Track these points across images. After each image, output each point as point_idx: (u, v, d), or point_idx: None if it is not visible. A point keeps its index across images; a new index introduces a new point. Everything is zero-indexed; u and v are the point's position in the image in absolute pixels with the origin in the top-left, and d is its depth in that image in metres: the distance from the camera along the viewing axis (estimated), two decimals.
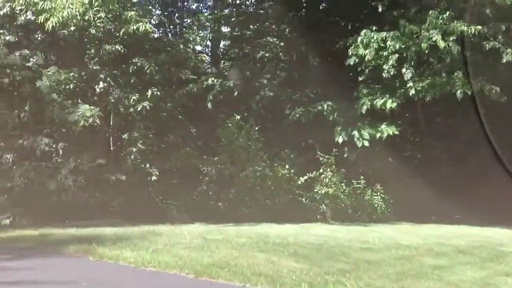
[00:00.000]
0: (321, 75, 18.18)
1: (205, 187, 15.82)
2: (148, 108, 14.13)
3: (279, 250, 9.24)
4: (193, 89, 16.76)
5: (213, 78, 17.84)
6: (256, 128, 16.07)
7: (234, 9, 20.52)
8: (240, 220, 14.47)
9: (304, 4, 19.84)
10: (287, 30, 19.40)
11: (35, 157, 14.63)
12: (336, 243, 10.40)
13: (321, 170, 15.82)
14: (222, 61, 21.15)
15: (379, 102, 16.03)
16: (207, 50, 21.09)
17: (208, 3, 22.15)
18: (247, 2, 21.35)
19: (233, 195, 15.74)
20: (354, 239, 11.19)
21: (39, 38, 15.22)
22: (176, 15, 20.48)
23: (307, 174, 15.73)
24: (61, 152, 14.66)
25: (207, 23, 19.59)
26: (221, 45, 21.17)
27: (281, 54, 19.60)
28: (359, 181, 16.05)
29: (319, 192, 15.69)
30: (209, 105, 17.60)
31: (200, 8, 22.04)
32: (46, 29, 13.25)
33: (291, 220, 14.59)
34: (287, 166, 15.78)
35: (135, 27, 13.47)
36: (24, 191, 14.21)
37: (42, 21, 12.66)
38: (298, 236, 11.03)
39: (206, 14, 19.56)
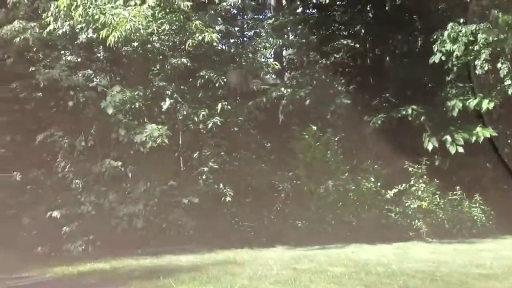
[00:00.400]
0: (401, 77, 16.64)
1: (282, 205, 14.58)
2: (219, 123, 13.04)
3: (387, 283, 7.80)
4: (263, 101, 15.61)
5: (282, 88, 16.66)
6: (336, 138, 14.71)
7: (298, 15, 19.33)
8: (324, 240, 13.20)
9: (375, 3, 18.28)
10: (362, 31, 17.89)
11: (104, 181, 13.87)
12: (449, 270, 8.87)
13: (411, 182, 14.28)
14: (289, 70, 19.96)
15: (472, 102, 14.35)
16: (271, 60, 19.89)
17: (268, 14, 21.05)
18: (307, 11, 20.10)
19: (313, 213, 14.39)
20: (467, 262, 9.60)
21: (101, 57, 14.57)
22: (236, 28, 19.32)
23: (396, 187, 14.22)
24: (130, 175, 13.87)
25: (269, 30, 18.45)
26: (284, 53, 19.92)
27: (354, 57, 18.16)
28: (455, 191, 14.36)
29: (411, 206, 14.16)
30: (281, 116, 16.47)
31: (261, 17, 20.95)
32: (108, 46, 12.50)
33: (381, 239, 13.29)
34: (372, 179, 14.32)
35: (200, 38, 12.41)
36: (94, 218, 13.41)
37: (103, 36, 11.82)
38: (402, 263, 9.53)
39: (270, 21, 18.32)
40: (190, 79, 13.89)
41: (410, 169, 14.39)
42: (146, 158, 13.53)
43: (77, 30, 13.19)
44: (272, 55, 18.24)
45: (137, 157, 13.74)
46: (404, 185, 14.26)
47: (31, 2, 14.31)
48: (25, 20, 13.73)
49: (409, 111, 15.37)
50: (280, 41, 17.01)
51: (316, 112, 16.60)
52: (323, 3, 18.51)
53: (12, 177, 14.40)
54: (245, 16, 20.31)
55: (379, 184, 14.35)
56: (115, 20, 11.53)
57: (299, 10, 20.28)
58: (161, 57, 13.71)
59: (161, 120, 13.67)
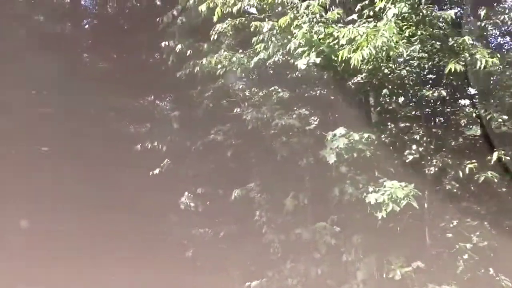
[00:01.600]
0: None
1: None
2: (495, 180, 9.00)
3: None
4: None
5: None
6: None
7: None
8: None
9: None
10: None
11: (316, 250, 10.92)
12: None
13: None
14: None
15: None
16: None
17: None
18: None
19: None
20: None
21: (318, 92, 11.57)
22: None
23: None
24: (353, 247, 10.50)
25: None
26: None
27: None
28: None
29: None
30: None
31: None
32: (332, 77, 9.50)
33: None
34: None
35: (481, 64, 8.57)
36: None
37: (343, 57, 8.57)
38: None
39: None
40: (442, 118, 10.15)
41: None
42: (379, 225, 9.99)
43: (291, 60, 10.31)
44: None
45: (365, 223, 10.26)
46: None
47: (236, 32, 11.97)
48: (230, 51, 11.56)
49: None
50: None
51: None
52: None
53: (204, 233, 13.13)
54: None
55: None
56: (361, 36, 8.25)
57: None
58: (400, 89, 10.19)
59: (404, 175, 9.97)
